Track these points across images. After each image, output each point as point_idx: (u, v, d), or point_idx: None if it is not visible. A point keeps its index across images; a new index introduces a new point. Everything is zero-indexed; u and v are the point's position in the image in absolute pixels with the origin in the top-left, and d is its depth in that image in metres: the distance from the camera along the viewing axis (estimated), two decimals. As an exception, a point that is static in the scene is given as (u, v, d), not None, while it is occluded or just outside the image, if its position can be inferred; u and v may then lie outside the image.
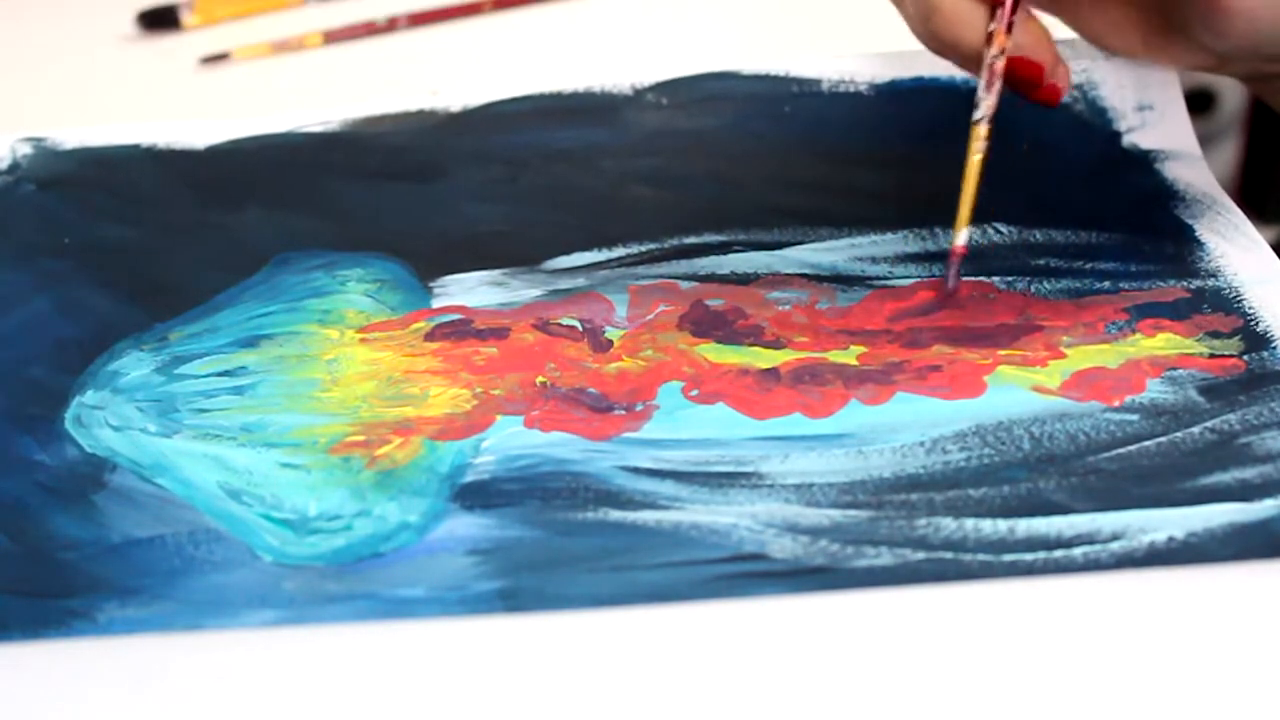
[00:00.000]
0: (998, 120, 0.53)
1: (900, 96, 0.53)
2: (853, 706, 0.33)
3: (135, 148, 0.53)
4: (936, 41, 0.44)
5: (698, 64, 0.55)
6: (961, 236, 0.44)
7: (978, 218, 0.48)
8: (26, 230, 0.50)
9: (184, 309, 0.46)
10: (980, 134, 0.44)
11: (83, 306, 0.46)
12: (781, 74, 0.55)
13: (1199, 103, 1.23)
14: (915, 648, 0.34)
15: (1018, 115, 0.50)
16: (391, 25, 0.63)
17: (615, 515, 0.38)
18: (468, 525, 0.38)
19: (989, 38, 0.43)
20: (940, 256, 0.46)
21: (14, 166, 0.52)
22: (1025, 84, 0.44)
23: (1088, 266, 0.46)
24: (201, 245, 0.49)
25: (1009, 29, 0.43)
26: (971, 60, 0.44)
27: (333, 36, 0.62)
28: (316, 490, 0.39)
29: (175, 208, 0.51)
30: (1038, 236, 0.47)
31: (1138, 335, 0.43)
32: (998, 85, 0.44)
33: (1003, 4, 0.43)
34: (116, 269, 0.48)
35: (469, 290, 0.46)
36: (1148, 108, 0.51)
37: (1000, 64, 0.43)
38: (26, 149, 0.53)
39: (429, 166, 0.52)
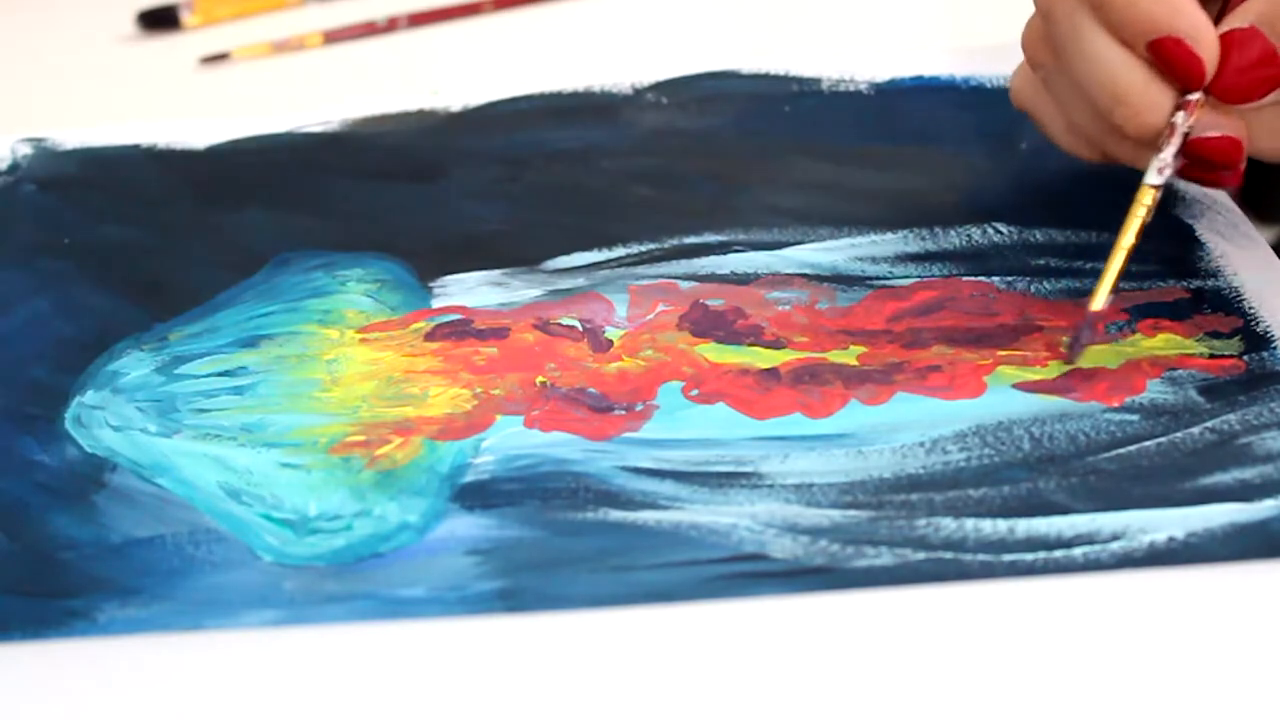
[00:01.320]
0: (999, 119, 0.53)
1: (900, 96, 0.53)
2: (853, 706, 0.33)
3: (135, 148, 0.53)
4: (1113, 138, 0.42)
5: (697, 63, 0.55)
6: (1101, 300, 0.41)
7: (977, 217, 0.48)
8: (26, 230, 0.50)
9: (184, 309, 0.46)
10: (1146, 199, 0.41)
11: (83, 306, 0.46)
12: (781, 73, 0.55)
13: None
14: (915, 648, 0.34)
15: (1017, 114, 0.50)
16: (391, 25, 0.63)
17: (615, 515, 0.38)
18: (468, 525, 0.38)
19: (1171, 127, 0.41)
20: (940, 256, 0.46)
21: (14, 167, 0.52)
22: (1225, 160, 0.42)
23: (1088, 266, 0.46)
24: (201, 245, 0.49)
25: (1194, 109, 0.41)
26: (1146, 147, 0.42)
27: (333, 36, 0.62)
28: (316, 490, 0.39)
29: (175, 208, 0.51)
30: (1038, 236, 0.47)
31: (1138, 335, 0.43)
32: (1175, 148, 0.41)
33: (1190, 88, 0.41)
34: (116, 269, 0.48)
35: (469, 290, 0.46)
36: (1148, 108, 0.51)
37: (1179, 138, 0.41)
38: (26, 149, 0.53)
39: (429, 166, 0.52)
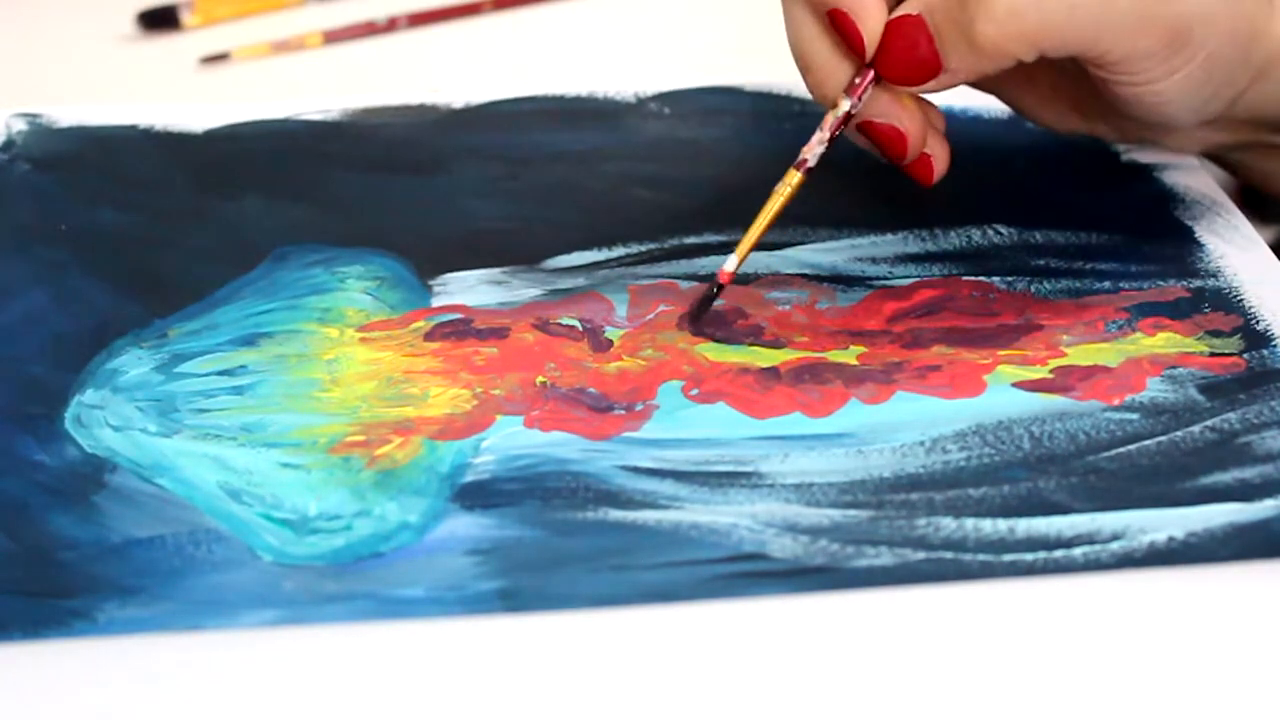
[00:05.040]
0: (1000, 119, 0.53)
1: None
2: (853, 706, 0.33)
3: (133, 128, 0.53)
4: (816, 94, 0.44)
5: (699, 69, 0.55)
6: (731, 263, 0.44)
7: (978, 217, 0.48)
8: (22, 214, 0.49)
9: (182, 302, 0.45)
10: (793, 179, 0.44)
11: (81, 299, 0.46)
12: (784, 93, 0.55)
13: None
14: (915, 648, 0.34)
15: (1017, 114, 0.50)
16: (391, 25, 0.63)
17: (615, 515, 0.38)
18: (468, 525, 0.38)
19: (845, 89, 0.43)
20: (940, 256, 0.46)
21: (9, 144, 0.52)
22: (889, 149, 0.44)
23: (1088, 267, 0.46)
24: (200, 234, 0.48)
25: (861, 92, 0.43)
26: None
27: (333, 36, 0.62)
28: (316, 490, 0.39)
29: (173, 193, 0.50)
30: (1038, 237, 0.47)
31: (1138, 334, 0.43)
32: (827, 138, 0.43)
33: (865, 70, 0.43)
34: (114, 258, 0.47)
35: (469, 289, 0.46)
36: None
37: (838, 119, 0.43)
38: (21, 124, 0.53)
39: (429, 160, 0.52)
